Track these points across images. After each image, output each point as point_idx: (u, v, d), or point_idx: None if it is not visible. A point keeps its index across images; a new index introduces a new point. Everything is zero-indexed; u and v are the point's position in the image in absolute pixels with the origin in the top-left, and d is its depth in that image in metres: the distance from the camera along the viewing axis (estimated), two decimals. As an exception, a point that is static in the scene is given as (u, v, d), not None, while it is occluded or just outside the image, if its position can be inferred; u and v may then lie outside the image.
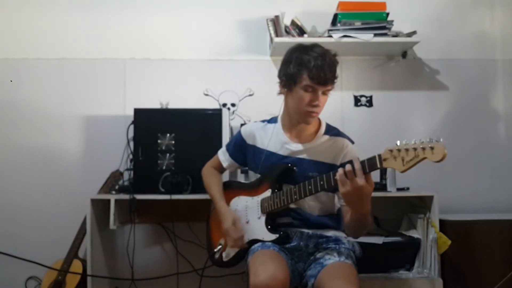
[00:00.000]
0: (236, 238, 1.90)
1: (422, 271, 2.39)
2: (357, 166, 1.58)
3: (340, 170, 1.61)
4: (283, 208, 1.84)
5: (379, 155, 1.56)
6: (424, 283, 2.33)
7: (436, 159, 1.42)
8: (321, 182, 1.71)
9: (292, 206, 1.86)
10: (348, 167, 1.59)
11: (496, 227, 2.51)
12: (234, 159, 2.08)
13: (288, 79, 1.83)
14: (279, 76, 1.89)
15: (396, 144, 1.51)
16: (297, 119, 1.89)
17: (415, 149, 1.46)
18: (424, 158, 1.45)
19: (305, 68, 1.77)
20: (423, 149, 1.44)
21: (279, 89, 1.91)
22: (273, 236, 1.84)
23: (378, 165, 1.55)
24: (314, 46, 1.83)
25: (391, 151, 1.52)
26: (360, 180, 1.57)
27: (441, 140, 1.42)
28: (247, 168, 2.11)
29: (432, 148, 1.42)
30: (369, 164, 1.58)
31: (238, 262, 1.96)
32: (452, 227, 2.45)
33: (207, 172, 2.15)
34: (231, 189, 2.08)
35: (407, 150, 1.48)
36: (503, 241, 2.48)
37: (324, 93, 1.81)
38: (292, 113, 1.89)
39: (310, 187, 1.74)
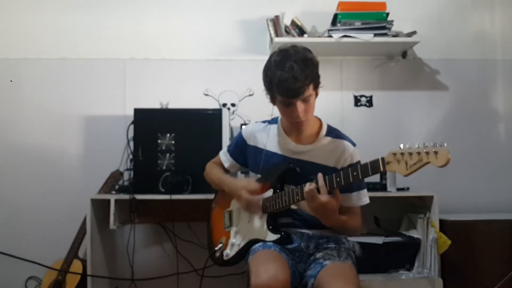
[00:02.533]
0: (253, 188, 1.85)
1: (422, 271, 2.39)
2: (321, 183, 1.67)
3: (307, 187, 1.68)
4: (285, 209, 1.84)
5: (382, 158, 1.55)
6: (424, 283, 2.33)
7: (439, 164, 1.41)
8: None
9: (293, 206, 1.86)
10: (312, 185, 1.67)
11: (496, 227, 2.50)
12: (235, 159, 2.08)
13: (268, 95, 1.85)
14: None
15: (400, 148, 1.50)
16: (291, 126, 1.90)
17: (418, 153, 1.45)
18: (428, 162, 1.44)
19: (273, 86, 1.76)
20: (427, 153, 1.43)
21: None
22: (275, 237, 1.83)
23: (381, 169, 1.55)
24: (285, 55, 1.76)
25: (394, 154, 1.51)
26: (323, 197, 1.66)
27: (445, 144, 1.41)
28: (248, 169, 2.11)
29: (436, 152, 1.41)
30: (372, 167, 1.58)
31: (239, 261, 1.95)
32: (452, 227, 2.45)
33: (210, 166, 2.15)
34: None
35: (410, 154, 1.47)
36: (503, 241, 2.48)
37: (305, 100, 1.77)
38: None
39: None
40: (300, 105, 1.76)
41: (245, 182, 1.91)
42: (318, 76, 1.79)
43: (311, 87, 1.75)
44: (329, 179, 1.68)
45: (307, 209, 1.87)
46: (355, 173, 1.63)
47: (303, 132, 1.88)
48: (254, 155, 1.99)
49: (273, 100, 1.84)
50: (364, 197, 1.87)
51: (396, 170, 1.51)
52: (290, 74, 1.71)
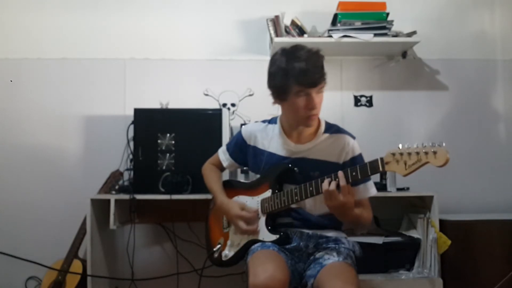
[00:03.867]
0: (249, 217, 1.87)
1: (422, 271, 2.39)
2: (343, 183, 1.64)
3: (325, 185, 1.66)
4: (284, 209, 1.84)
5: (381, 159, 1.55)
6: (424, 283, 2.33)
7: (438, 164, 1.42)
8: (321, 183, 1.70)
9: (293, 206, 1.86)
10: (332, 185, 1.64)
11: (496, 227, 2.50)
12: (234, 159, 2.08)
13: (278, 91, 1.82)
14: (269, 88, 1.87)
15: (398, 148, 1.51)
16: (297, 124, 1.88)
17: (417, 153, 1.46)
18: (427, 162, 1.45)
19: (291, 76, 1.75)
20: (426, 153, 1.44)
21: (273, 99, 1.89)
22: (274, 237, 1.83)
23: (380, 169, 1.56)
24: (295, 49, 1.79)
25: (393, 154, 1.51)
26: (344, 197, 1.64)
27: (444, 144, 1.42)
28: (246, 168, 2.11)
29: (434, 152, 1.42)
30: (371, 167, 1.59)
31: (238, 261, 1.95)
32: (452, 227, 2.45)
33: (208, 169, 2.15)
34: (230, 188, 2.07)
35: (409, 154, 1.48)
36: (503, 241, 2.48)
37: (318, 92, 1.80)
38: (291, 120, 1.89)
39: (311, 188, 1.74)
40: (315, 96, 1.78)
41: (239, 210, 1.90)
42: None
43: (325, 78, 1.79)
44: (352, 171, 1.66)
45: (307, 208, 1.87)
46: (354, 174, 1.63)
47: (305, 129, 1.88)
48: (254, 155, 1.99)
49: (285, 96, 1.80)
50: (371, 188, 1.87)
51: (395, 170, 1.52)
52: (310, 64, 1.74)
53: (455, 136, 2.96)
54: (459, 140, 2.95)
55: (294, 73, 1.74)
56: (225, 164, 2.10)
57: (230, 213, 1.93)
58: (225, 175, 2.36)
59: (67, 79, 2.94)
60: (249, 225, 1.88)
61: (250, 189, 1.97)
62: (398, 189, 2.54)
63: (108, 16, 2.97)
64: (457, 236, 2.41)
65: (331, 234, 1.89)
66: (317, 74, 1.75)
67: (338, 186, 1.66)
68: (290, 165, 1.86)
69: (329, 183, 1.66)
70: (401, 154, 1.49)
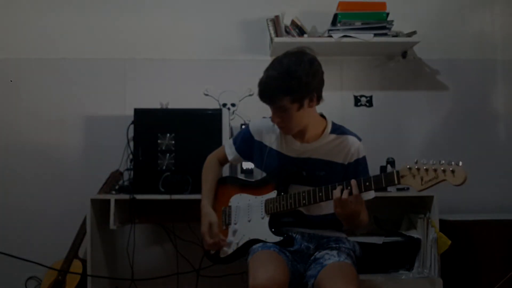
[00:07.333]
0: (210, 243, 1.93)
1: (422, 271, 2.39)
2: (355, 192, 1.63)
3: (337, 193, 1.65)
4: (288, 211, 1.83)
5: (397, 172, 1.56)
6: (424, 283, 2.33)
7: (456, 183, 1.44)
8: (333, 190, 1.70)
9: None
10: (345, 194, 1.63)
11: (496, 227, 2.50)
12: (239, 153, 2.06)
13: None
14: None
15: (415, 163, 1.51)
16: None
17: (435, 170, 1.46)
18: (444, 180, 1.45)
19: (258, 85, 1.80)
20: (444, 171, 1.45)
21: None
22: (277, 238, 1.82)
23: (396, 182, 1.56)
24: (281, 58, 1.77)
25: (410, 169, 1.52)
26: (355, 206, 1.64)
27: (460, 163, 1.44)
28: (249, 168, 2.10)
29: (453, 171, 1.43)
30: (386, 180, 1.59)
31: (236, 259, 1.94)
32: (452, 227, 2.45)
33: (209, 164, 2.13)
34: (232, 185, 2.06)
35: (426, 170, 1.48)
36: (503, 241, 2.48)
37: (279, 109, 1.77)
38: None
39: (320, 194, 1.73)
40: (275, 112, 1.79)
41: (207, 227, 1.94)
42: (302, 91, 1.74)
43: (286, 99, 1.73)
44: (365, 181, 1.66)
45: (311, 207, 1.87)
46: (367, 184, 1.63)
47: (310, 129, 1.87)
48: (259, 151, 1.98)
49: None
50: (370, 192, 1.85)
51: (410, 184, 1.52)
52: (273, 77, 1.74)
53: (455, 136, 2.95)
54: (459, 140, 2.94)
55: (258, 83, 1.78)
56: (230, 157, 2.09)
57: (204, 223, 1.96)
58: (225, 173, 2.36)
59: (67, 79, 2.94)
60: (210, 246, 1.93)
61: (253, 188, 1.97)
62: (398, 189, 2.53)
63: (108, 16, 2.97)
64: (457, 236, 2.41)
65: (332, 234, 1.89)
66: (273, 92, 1.74)
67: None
68: (297, 169, 1.86)
69: (341, 191, 1.65)
70: (418, 169, 1.50)
